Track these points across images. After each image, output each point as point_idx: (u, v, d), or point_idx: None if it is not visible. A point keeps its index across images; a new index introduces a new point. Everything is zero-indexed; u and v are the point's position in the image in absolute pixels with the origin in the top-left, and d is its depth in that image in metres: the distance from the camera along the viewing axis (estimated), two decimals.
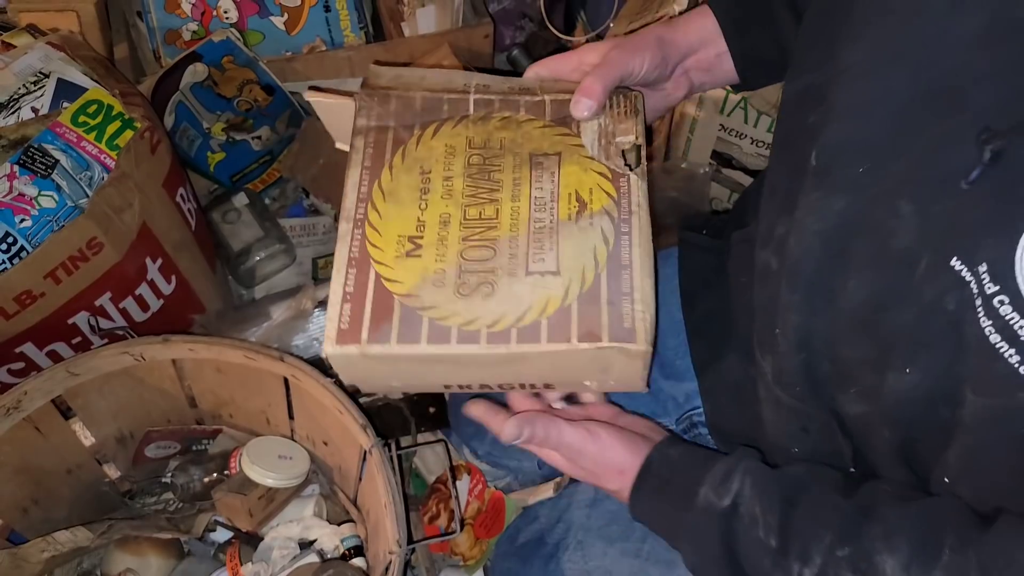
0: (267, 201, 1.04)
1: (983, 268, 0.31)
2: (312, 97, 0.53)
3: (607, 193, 0.47)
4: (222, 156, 0.97)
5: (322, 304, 0.83)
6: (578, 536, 0.69)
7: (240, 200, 0.98)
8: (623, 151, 0.49)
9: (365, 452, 0.66)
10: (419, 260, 0.45)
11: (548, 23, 1.04)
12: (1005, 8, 0.32)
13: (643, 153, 0.49)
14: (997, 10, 0.32)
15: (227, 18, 0.95)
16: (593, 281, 0.44)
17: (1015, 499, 0.34)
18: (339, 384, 0.69)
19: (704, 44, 0.54)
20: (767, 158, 0.89)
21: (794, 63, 0.49)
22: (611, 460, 0.50)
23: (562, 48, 1.12)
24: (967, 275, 0.32)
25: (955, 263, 0.33)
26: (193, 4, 0.94)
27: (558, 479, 0.77)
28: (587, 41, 1.03)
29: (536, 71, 0.53)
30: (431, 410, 0.88)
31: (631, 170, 0.48)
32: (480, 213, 0.47)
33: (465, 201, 0.48)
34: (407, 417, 0.84)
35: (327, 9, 0.97)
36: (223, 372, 0.72)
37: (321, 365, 0.79)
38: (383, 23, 1.03)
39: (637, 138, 0.49)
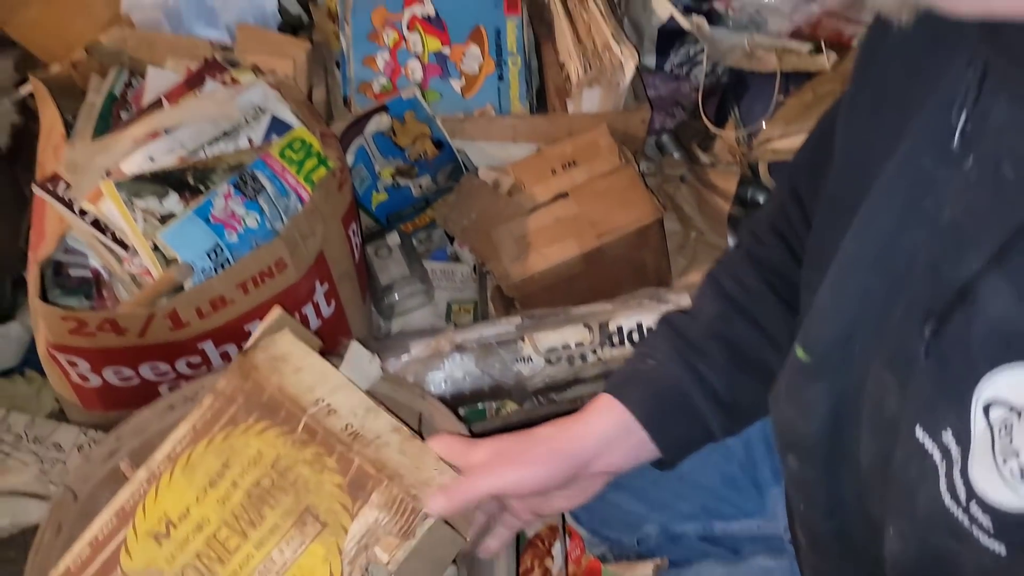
0: (415, 242, 1.12)
1: (948, 434, 0.34)
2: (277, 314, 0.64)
3: None
4: (384, 197, 1.06)
5: (459, 348, 0.88)
6: None
7: (393, 239, 1.07)
8: (367, 566, 0.47)
9: None
10: (157, 548, 0.48)
11: (702, 113, 1.09)
12: (935, 223, 0.37)
13: None
14: (931, 226, 0.37)
15: (413, 77, 1.05)
16: None
17: None
18: (470, 431, 0.74)
19: (612, 443, 0.52)
20: None
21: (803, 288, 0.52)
22: None
23: (711, 139, 1.16)
24: (929, 445, 0.35)
25: (918, 432, 0.36)
26: (386, 62, 1.05)
27: (658, 560, 0.78)
28: (737, 139, 1.07)
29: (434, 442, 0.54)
30: None
31: None
32: (227, 539, 0.49)
33: (228, 518, 0.50)
34: None
35: (501, 78, 1.06)
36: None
37: (453, 406, 0.84)
38: (547, 96, 1.10)
39: (389, 564, 0.47)
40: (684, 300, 0.91)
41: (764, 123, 1.02)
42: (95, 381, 0.80)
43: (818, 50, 1.00)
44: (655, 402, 0.52)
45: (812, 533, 0.49)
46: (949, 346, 0.34)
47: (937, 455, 0.34)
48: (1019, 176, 0.32)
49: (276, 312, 0.66)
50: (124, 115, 0.90)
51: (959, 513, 0.33)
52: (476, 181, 1.02)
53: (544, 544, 0.86)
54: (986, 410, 0.32)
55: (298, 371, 0.63)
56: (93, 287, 0.84)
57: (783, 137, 0.92)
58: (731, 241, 0.99)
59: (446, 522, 0.53)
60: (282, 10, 1.14)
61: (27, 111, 1.18)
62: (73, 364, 0.77)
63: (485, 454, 0.51)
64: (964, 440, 0.32)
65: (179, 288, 0.70)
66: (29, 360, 0.98)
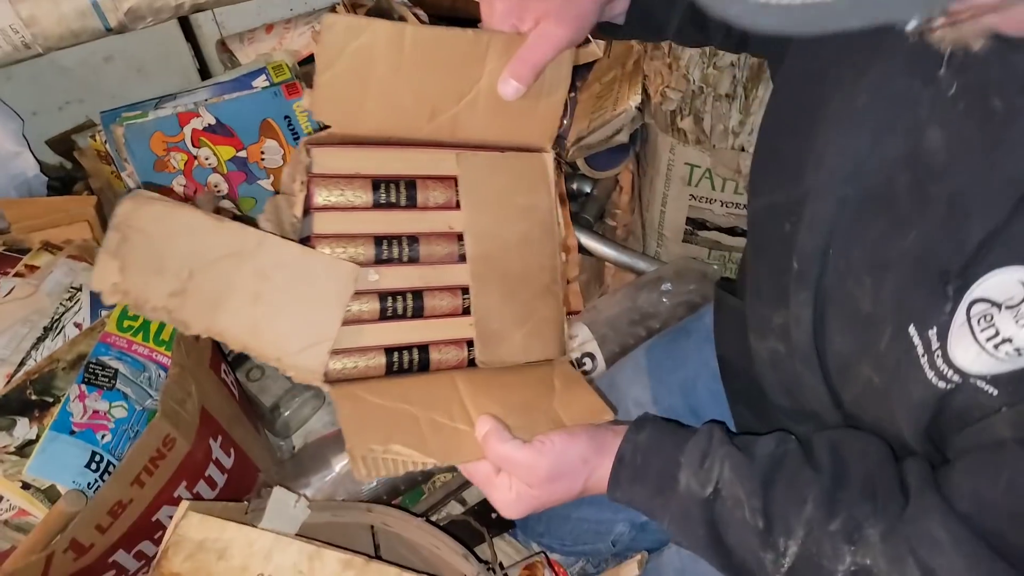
0: None
1: (932, 331, 0.41)
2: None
3: None
4: None
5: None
6: None
7: None
8: None
9: None
10: None
11: None
12: (917, 141, 0.43)
13: None
14: (912, 143, 0.43)
15: (219, 191, 1.00)
16: None
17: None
18: (428, 521, 0.73)
19: None
20: (737, 216, 0.99)
21: (753, 187, 0.59)
22: (571, 458, 0.52)
23: None
24: (917, 341, 0.42)
25: (911, 330, 0.42)
26: (184, 186, 0.99)
27: (639, 556, 0.82)
28: None
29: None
30: (493, 516, 0.92)
31: None
32: None
33: None
34: (477, 528, 0.88)
35: None
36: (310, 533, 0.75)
37: (390, 501, 0.83)
38: None
39: None
40: (579, 330, 0.94)
41: (567, 123, 1.07)
42: None
43: (586, 41, 1.07)
44: None
45: (821, 427, 0.54)
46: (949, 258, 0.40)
47: (920, 348, 0.41)
48: (1008, 108, 0.37)
49: (182, 508, 0.62)
50: None
51: (943, 384, 0.41)
52: None
53: None
54: (968, 307, 0.39)
55: (222, 555, 0.60)
56: None
57: (591, 133, 0.98)
58: (580, 237, 1.04)
59: None
60: (43, 168, 1.04)
61: None
62: None
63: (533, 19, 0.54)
64: (943, 333, 0.40)
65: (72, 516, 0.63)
66: None
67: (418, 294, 0.57)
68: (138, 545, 0.73)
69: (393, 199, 0.57)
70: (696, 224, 1.03)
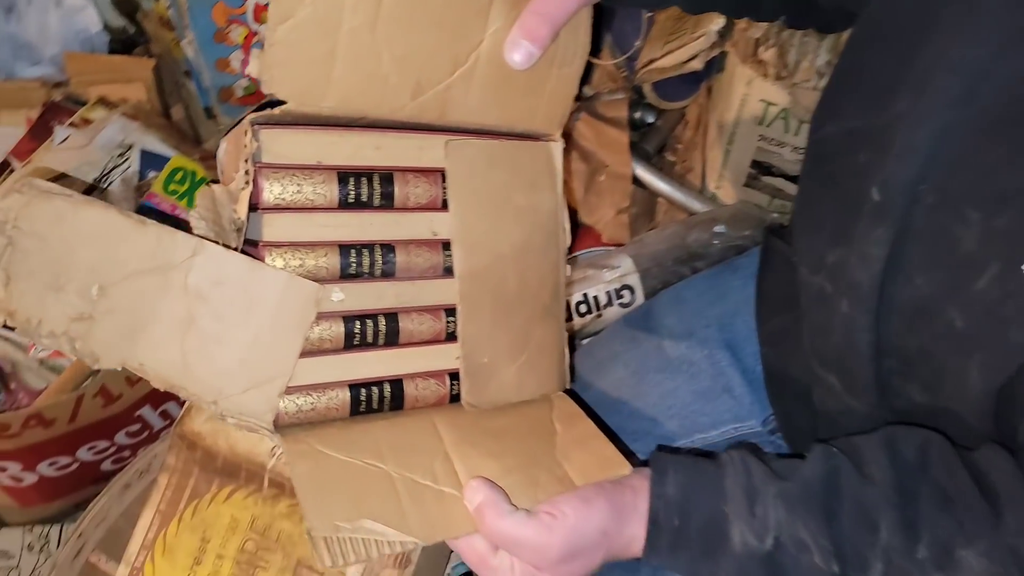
0: None
1: None
2: None
3: None
4: None
5: None
6: None
7: None
8: None
9: None
10: None
11: None
12: None
13: None
14: None
15: None
16: None
17: None
18: None
19: None
20: None
21: (825, 110, 0.52)
22: (588, 531, 0.42)
23: (588, 70, 1.16)
24: None
25: None
26: (243, 60, 0.97)
27: None
28: (615, 65, 1.07)
29: None
30: None
31: None
32: None
33: None
34: None
35: None
36: None
37: None
38: None
39: None
40: (622, 261, 0.92)
41: (639, 44, 1.02)
42: (30, 479, 0.73)
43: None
44: None
45: (850, 379, 0.49)
46: None
47: None
48: None
49: None
50: None
51: None
52: None
53: None
54: None
55: (233, 434, 0.60)
56: None
57: (665, 55, 0.93)
58: (636, 168, 1.00)
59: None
60: (107, 27, 1.03)
61: None
62: (2, 469, 0.70)
63: None
64: None
65: None
66: None
67: (392, 316, 0.47)
68: (164, 404, 0.75)
69: (364, 197, 0.45)
70: (761, 168, 0.98)
